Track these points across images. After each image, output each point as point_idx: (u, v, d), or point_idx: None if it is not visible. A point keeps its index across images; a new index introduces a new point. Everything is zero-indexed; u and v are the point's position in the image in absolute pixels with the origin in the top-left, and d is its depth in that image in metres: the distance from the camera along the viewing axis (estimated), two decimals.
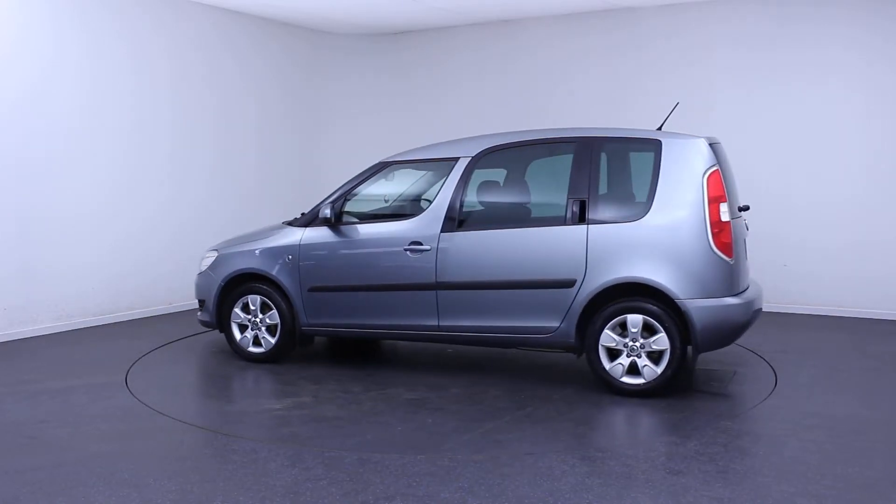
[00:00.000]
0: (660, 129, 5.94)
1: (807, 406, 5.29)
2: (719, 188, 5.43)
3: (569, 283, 5.59)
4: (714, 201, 5.40)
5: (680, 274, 5.37)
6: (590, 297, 5.53)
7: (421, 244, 5.99)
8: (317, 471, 4.14)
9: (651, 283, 5.41)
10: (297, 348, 6.60)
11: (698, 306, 5.32)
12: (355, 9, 9.37)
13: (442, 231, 5.96)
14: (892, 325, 7.92)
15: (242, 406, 5.55)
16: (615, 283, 5.48)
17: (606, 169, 5.82)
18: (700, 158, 5.49)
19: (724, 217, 5.40)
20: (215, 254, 6.87)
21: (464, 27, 10.36)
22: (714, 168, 5.46)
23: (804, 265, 8.60)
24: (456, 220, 5.95)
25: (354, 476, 4.07)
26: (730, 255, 5.40)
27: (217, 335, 7.20)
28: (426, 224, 6.03)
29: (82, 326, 7.84)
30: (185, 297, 8.94)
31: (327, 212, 6.26)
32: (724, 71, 8.92)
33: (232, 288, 6.61)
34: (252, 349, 6.56)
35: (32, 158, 7.41)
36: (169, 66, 8.71)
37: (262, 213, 9.88)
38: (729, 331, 5.47)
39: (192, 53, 8.97)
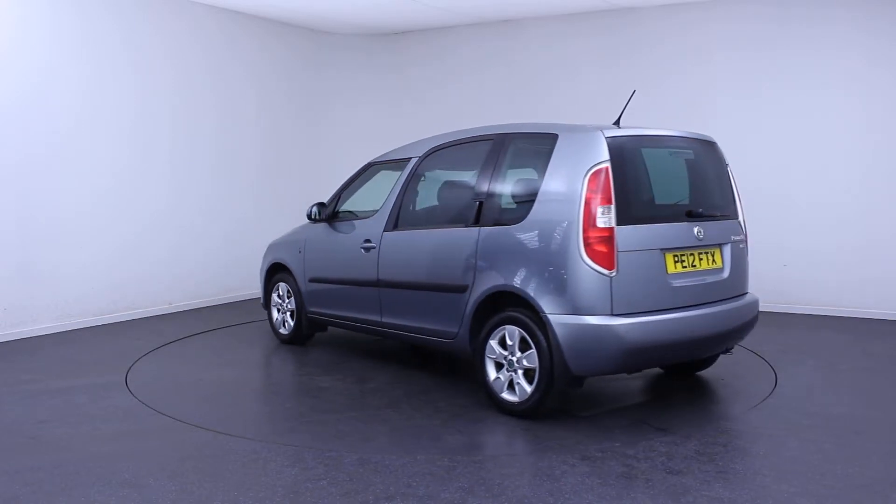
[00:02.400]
0: (616, 122, 5.45)
1: (807, 406, 5.28)
2: (604, 189, 4.71)
3: (462, 288, 5.35)
4: (591, 203, 4.71)
5: (549, 285, 4.78)
6: (476, 303, 5.23)
7: (370, 242, 6.19)
8: (317, 471, 4.14)
9: (521, 294, 4.94)
10: (304, 332, 7.11)
11: (563, 323, 4.70)
12: (356, 9, 9.38)
13: (384, 230, 6.11)
14: (892, 325, 7.92)
15: (180, 375, 5.96)
16: (493, 290, 5.12)
17: (509, 166, 5.41)
18: (588, 154, 4.82)
19: (602, 223, 4.69)
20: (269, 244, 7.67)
21: (464, 27, 10.36)
22: (600, 165, 4.75)
23: (804, 265, 8.60)
24: (395, 219, 6.07)
25: (354, 476, 4.07)
26: (608, 267, 4.66)
27: (213, 335, 7.43)
28: (377, 223, 6.22)
29: (82, 326, 7.84)
30: (185, 297, 8.95)
31: (313, 209, 6.89)
32: (725, 72, 8.92)
33: (272, 275, 7.42)
34: (281, 331, 7.32)
35: (33, 159, 7.41)
36: (170, 66, 8.71)
37: (265, 212, 9.89)
38: (606, 355, 4.68)
39: (193, 53, 8.97)
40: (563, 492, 3.87)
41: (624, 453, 4.40)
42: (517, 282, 4.97)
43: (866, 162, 8.31)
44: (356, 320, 6.45)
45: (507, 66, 10.13)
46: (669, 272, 4.95)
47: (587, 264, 4.67)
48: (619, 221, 4.74)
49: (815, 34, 8.47)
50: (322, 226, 6.82)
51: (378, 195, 6.69)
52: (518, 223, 5.05)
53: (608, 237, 4.68)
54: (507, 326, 5.04)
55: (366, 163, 6.90)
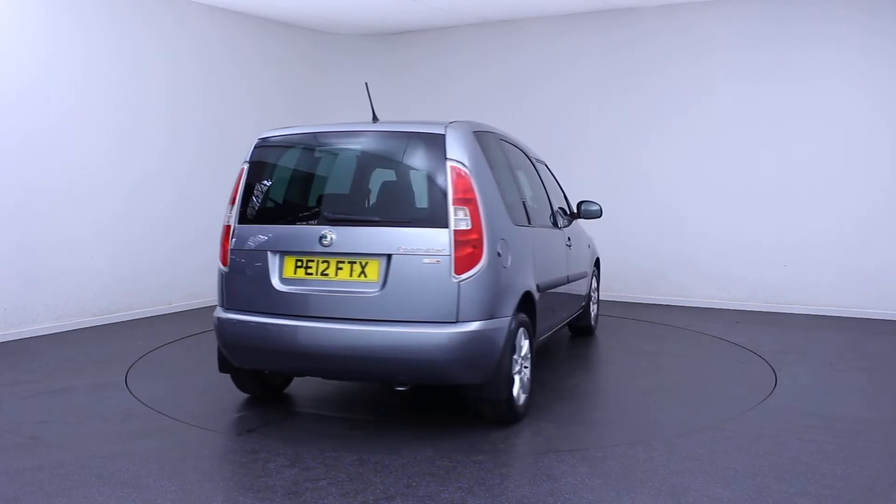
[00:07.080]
0: (373, 118, 5.57)
1: (807, 406, 5.29)
2: (234, 188, 5.07)
3: None
4: (231, 201, 5.06)
5: None
6: None
7: None
8: (317, 471, 4.15)
9: None
10: None
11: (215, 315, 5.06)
12: (355, 9, 9.38)
13: None
14: (892, 325, 7.92)
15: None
16: None
17: None
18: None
19: (225, 220, 5.01)
20: None
21: (464, 27, 10.36)
22: (243, 165, 5.13)
23: (804, 265, 8.60)
24: None
25: (354, 476, 4.07)
26: (222, 263, 4.96)
27: (213, 335, 7.33)
28: None
29: (82, 326, 7.84)
30: (185, 297, 8.95)
31: None
32: (724, 70, 8.93)
33: None
34: None
35: (32, 159, 7.41)
36: (166, 67, 8.71)
37: None
38: (222, 346, 5.02)
39: (190, 53, 8.98)
40: (563, 492, 3.87)
41: (624, 453, 4.40)
42: None
43: (866, 160, 8.32)
44: None
45: (507, 66, 10.13)
46: (285, 276, 4.70)
47: (218, 259, 5.05)
48: (244, 220, 4.95)
49: (815, 32, 8.49)
50: None
51: None
52: None
53: (225, 235, 4.98)
54: None
55: None
